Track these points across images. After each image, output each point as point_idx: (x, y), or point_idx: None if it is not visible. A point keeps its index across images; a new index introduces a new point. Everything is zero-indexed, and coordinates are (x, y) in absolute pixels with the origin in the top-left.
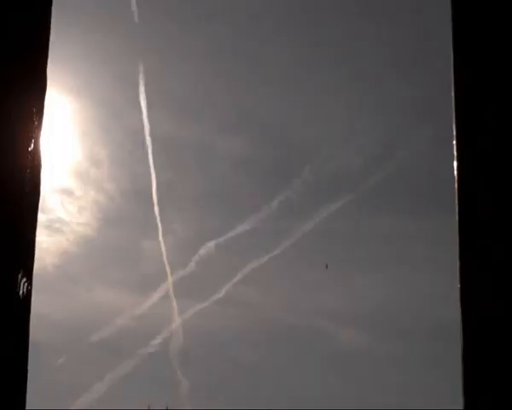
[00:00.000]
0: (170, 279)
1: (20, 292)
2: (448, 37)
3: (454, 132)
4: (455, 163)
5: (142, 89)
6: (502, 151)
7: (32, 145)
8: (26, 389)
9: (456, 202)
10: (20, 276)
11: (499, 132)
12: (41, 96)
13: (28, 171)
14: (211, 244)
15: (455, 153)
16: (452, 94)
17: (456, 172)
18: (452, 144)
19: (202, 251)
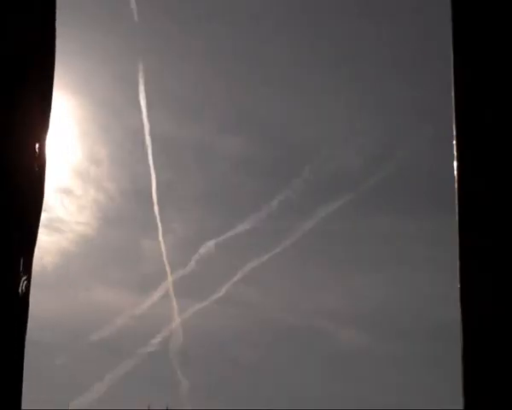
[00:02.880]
0: (170, 279)
1: (19, 290)
2: (448, 37)
3: (454, 132)
4: (455, 163)
5: (141, 88)
6: (502, 151)
7: (38, 145)
8: (21, 388)
9: (456, 202)
10: (20, 273)
11: (499, 132)
12: (48, 96)
13: (35, 170)
14: (211, 244)
15: (455, 153)
16: (452, 94)
17: (456, 172)
18: (452, 144)
19: (202, 250)
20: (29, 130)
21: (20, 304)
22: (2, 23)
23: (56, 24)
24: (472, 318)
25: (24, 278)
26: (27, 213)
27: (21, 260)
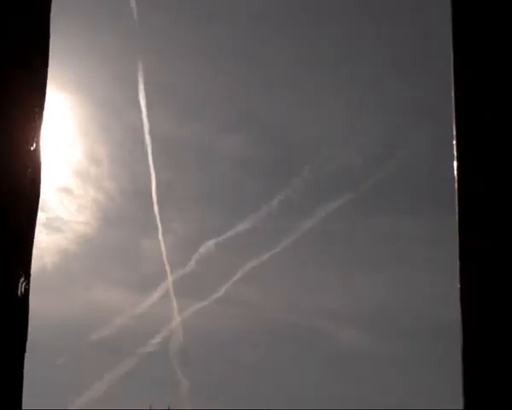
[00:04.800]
0: (170, 278)
1: (18, 292)
2: (448, 37)
3: (454, 132)
4: (455, 163)
5: (141, 87)
6: (502, 151)
7: (34, 145)
8: (21, 391)
9: (456, 202)
10: (18, 275)
11: (499, 132)
12: (42, 96)
13: (29, 170)
14: (211, 243)
15: (455, 153)
16: (452, 94)
17: (456, 172)
18: (452, 144)
19: (202, 250)
20: (22, 130)
21: (20, 307)
22: (1, 22)
23: (51, 23)
24: (472, 318)
25: (22, 280)
26: (22, 214)
27: (19, 263)
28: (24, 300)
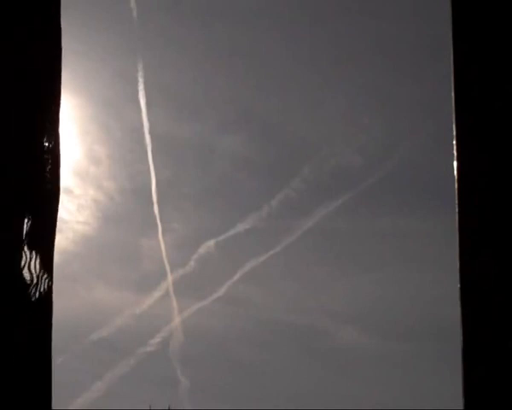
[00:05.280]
0: (169, 278)
1: (42, 289)
2: (448, 37)
3: (454, 132)
4: (455, 163)
5: (141, 86)
6: (502, 151)
7: (53, 142)
8: (50, 391)
9: (456, 201)
10: (41, 273)
11: (499, 132)
12: (57, 95)
13: (49, 167)
14: (211, 243)
15: (455, 153)
16: (452, 94)
17: (456, 172)
18: (452, 144)
19: (202, 250)
20: (40, 129)
21: (44, 304)
22: (8, 22)
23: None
24: (472, 318)
25: (45, 277)
26: (44, 210)
27: (41, 260)
28: (47, 296)
